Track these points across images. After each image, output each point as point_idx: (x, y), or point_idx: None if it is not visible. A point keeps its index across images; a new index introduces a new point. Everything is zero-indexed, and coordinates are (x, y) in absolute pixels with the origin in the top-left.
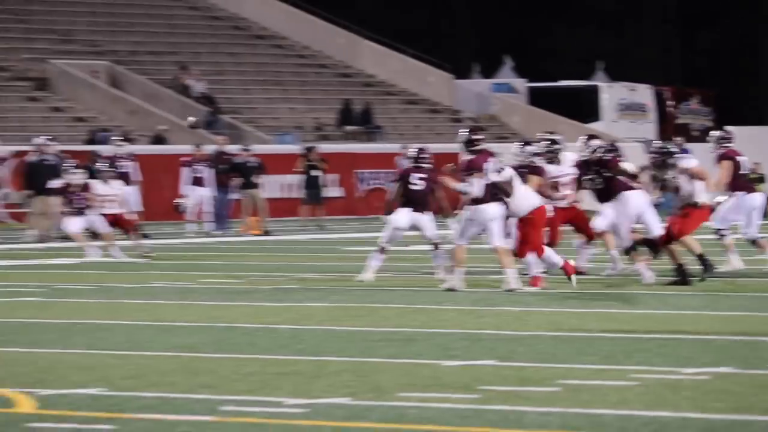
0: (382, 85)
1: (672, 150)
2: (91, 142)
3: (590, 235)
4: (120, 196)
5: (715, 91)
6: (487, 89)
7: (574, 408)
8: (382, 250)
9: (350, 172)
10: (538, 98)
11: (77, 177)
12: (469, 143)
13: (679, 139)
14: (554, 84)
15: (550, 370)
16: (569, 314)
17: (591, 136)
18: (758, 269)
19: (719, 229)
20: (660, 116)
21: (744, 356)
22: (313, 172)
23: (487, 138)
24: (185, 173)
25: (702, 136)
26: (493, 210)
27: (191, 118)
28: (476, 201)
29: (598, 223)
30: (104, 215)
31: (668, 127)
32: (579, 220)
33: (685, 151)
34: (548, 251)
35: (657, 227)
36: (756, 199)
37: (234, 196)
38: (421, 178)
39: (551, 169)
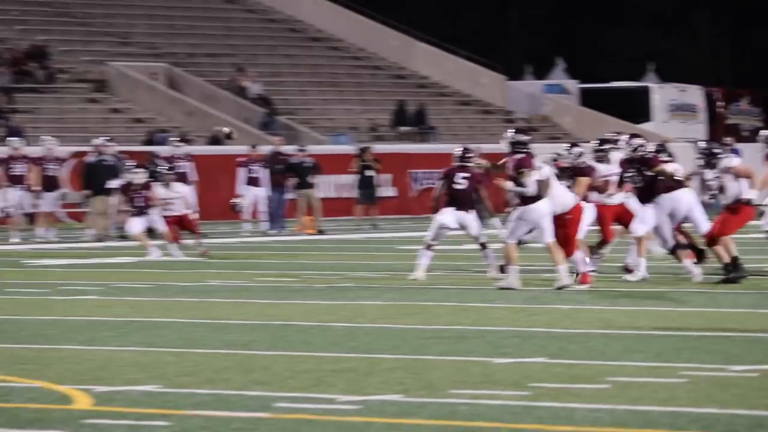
0: (436, 86)
1: (716, 150)
2: (149, 143)
3: (608, 239)
4: (183, 196)
5: (765, 92)
6: (539, 90)
7: (623, 405)
8: (429, 247)
9: (404, 172)
10: (589, 99)
11: (138, 176)
12: (518, 144)
13: (729, 139)
14: (605, 85)
15: (600, 368)
16: (620, 312)
17: (633, 135)
18: None
19: None
20: (710, 117)
21: None
22: (368, 172)
23: (537, 138)
24: (241, 173)
25: (752, 137)
26: (542, 208)
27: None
28: (525, 200)
29: (637, 228)
30: (167, 217)
31: (718, 128)
32: (629, 219)
33: (735, 151)
34: (578, 255)
35: (704, 224)
36: None
37: (289, 195)
38: (465, 178)
39: (601, 168)
